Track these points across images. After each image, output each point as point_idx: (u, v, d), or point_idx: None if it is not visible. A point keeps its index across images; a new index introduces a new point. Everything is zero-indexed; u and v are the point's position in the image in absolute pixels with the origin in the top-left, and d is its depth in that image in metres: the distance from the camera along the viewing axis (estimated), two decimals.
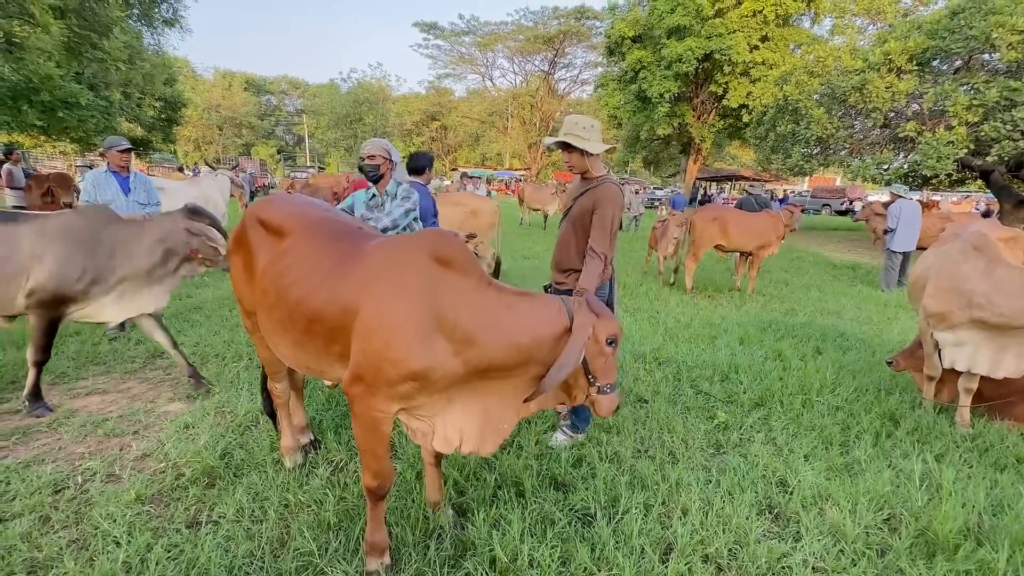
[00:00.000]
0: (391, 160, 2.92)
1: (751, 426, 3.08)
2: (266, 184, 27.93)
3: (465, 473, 2.44)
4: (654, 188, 35.31)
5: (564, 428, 2.85)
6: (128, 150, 4.41)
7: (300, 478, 2.42)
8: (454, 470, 2.45)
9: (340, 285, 1.74)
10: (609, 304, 2.65)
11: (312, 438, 2.72)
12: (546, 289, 2.88)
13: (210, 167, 7.90)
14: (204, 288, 6.07)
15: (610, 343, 1.78)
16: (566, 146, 2.49)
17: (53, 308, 2.89)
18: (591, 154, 2.50)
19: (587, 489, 2.38)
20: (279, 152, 49.94)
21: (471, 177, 12.13)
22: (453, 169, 42.15)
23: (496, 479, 2.42)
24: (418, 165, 3.82)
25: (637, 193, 14.89)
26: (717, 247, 6.91)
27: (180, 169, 22.92)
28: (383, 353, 1.61)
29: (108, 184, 4.35)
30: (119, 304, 3.06)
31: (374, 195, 2.95)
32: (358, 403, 1.71)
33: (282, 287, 1.87)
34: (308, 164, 38.31)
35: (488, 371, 1.71)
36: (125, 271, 3.01)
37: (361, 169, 2.90)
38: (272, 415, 2.69)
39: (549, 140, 2.49)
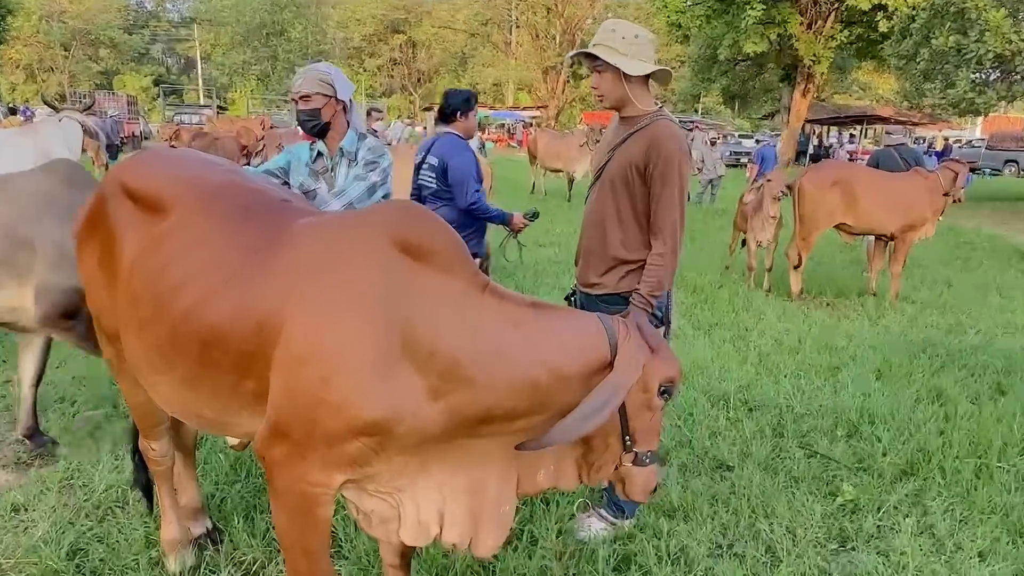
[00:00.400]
0: (338, 99, 2.85)
1: (895, 507, 3.09)
2: (137, 133, 28.34)
3: None
4: (740, 136, 35.44)
5: (601, 510, 2.87)
6: None
7: None
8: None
9: (253, 288, 1.74)
10: (660, 320, 2.65)
11: (209, 526, 2.72)
12: (569, 300, 2.90)
13: (51, 108, 7.99)
14: None
15: (663, 392, 1.78)
16: (593, 60, 2.48)
17: None
18: (631, 78, 2.47)
19: None
20: (157, 84, 50.47)
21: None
22: (426, 109, 42.37)
23: None
24: (450, 106, 3.91)
25: (714, 144, 14.85)
26: (839, 227, 6.91)
27: (12, 112, 23.19)
28: (319, 394, 1.61)
29: None
30: None
31: (319, 155, 2.93)
32: (281, 473, 1.71)
33: (162, 292, 1.87)
34: (202, 103, 38.69)
35: (483, 423, 1.70)
36: None
37: (298, 120, 2.90)
38: (147, 490, 2.70)
39: (573, 51, 2.48)
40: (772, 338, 5.53)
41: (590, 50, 2.47)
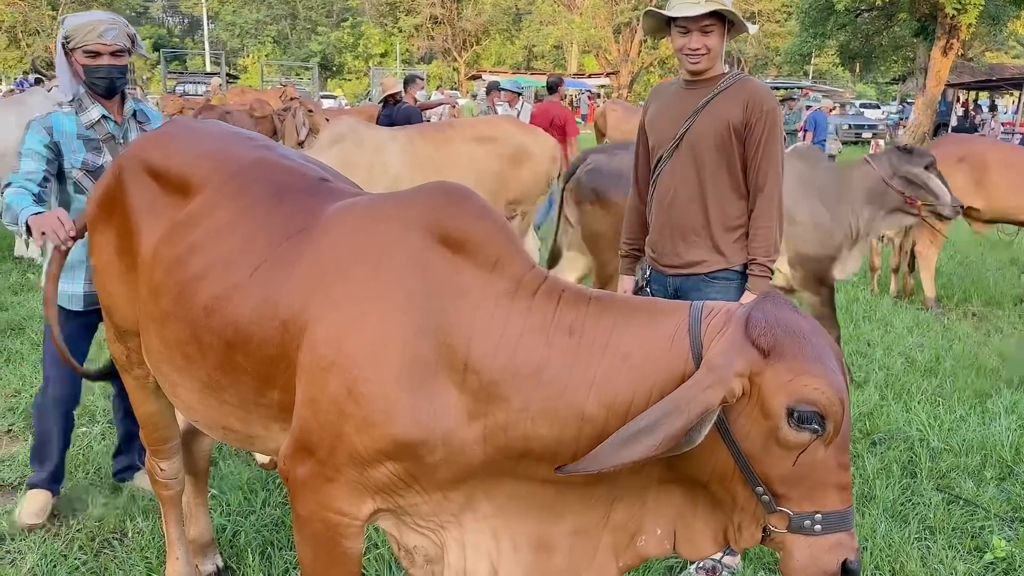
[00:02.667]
0: (133, 52, 3.06)
1: None
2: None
3: None
4: (861, 105, 34.60)
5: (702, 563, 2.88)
6: None
7: None
8: None
9: (280, 283, 1.80)
10: None
11: (221, 564, 2.82)
12: (641, 290, 2.98)
13: (41, 77, 8.39)
14: (25, 295, 6.41)
15: (801, 420, 1.47)
16: (711, 17, 2.62)
17: None
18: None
19: None
20: (156, 48, 52.24)
21: (504, 91, 12.22)
22: (473, 77, 42.76)
23: None
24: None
25: (830, 112, 14.60)
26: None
27: (38, 81, 24.18)
28: (343, 407, 1.65)
29: None
30: None
31: (100, 120, 3.04)
32: (304, 496, 1.77)
33: (185, 283, 1.96)
34: (208, 70, 39.89)
35: (525, 457, 1.65)
36: None
37: (90, 80, 2.94)
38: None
39: (692, 10, 2.58)
40: (901, 355, 5.43)
41: (720, 7, 2.60)
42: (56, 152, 2.93)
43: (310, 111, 5.80)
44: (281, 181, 2.03)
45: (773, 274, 2.78)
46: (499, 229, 1.75)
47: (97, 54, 2.91)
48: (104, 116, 3.03)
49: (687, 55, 2.70)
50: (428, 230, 1.71)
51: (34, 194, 2.78)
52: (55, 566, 2.84)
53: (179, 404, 2.16)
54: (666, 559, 2.96)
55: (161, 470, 2.57)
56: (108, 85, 2.97)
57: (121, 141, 3.07)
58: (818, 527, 1.51)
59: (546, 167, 6.16)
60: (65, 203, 3.01)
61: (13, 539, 3.04)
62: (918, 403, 4.49)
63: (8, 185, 2.80)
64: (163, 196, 2.14)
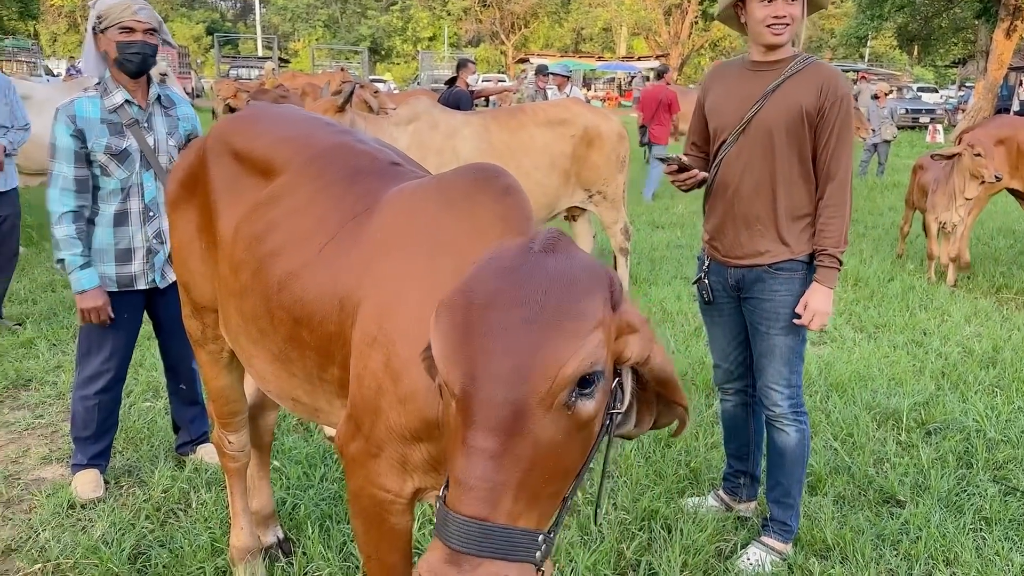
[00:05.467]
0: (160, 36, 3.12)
1: None
2: (189, 91, 29.86)
3: None
4: (919, 89, 33.70)
5: (763, 538, 2.94)
6: None
7: None
8: None
9: (341, 261, 1.86)
10: None
11: (281, 536, 2.92)
12: (700, 281, 2.96)
13: None
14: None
15: None
16: None
17: None
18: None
19: None
20: (210, 32, 52.96)
21: (551, 75, 12.23)
22: (521, 60, 42.60)
23: None
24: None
25: (887, 96, 14.23)
26: (1016, 195, 6.74)
27: (76, 71, 24.77)
28: (382, 382, 1.67)
29: None
30: None
31: (123, 105, 3.12)
32: (354, 471, 1.82)
33: (261, 258, 2.04)
34: (260, 54, 40.43)
35: None
36: None
37: (123, 56, 3.02)
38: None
39: None
40: (959, 345, 5.34)
41: None
42: (81, 139, 3.05)
43: (376, 93, 5.90)
44: (356, 164, 2.09)
45: (842, 265, 2.72)
46: (519, 204, 1.72)
47: (132, 30, 3.01)
48: (128, 101, 3.12)
49: (770, 25, 2.60)
50: (459, 209, 1.73)
51: (74, 211, 3.05)
52: (123, 533, 2.96)
53: (254, 374, 2.25)
54: (715, 541, 3.00)
55: (229, 443, 2.66)
56: (141, 61, 3.06)
57: (145, 125, 3.17)
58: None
59: (616, 146, 6.16)
60: (94, 187, 3.13)
61: (84, 507, 3.18)
62: (975, 393, 4.42)
63: (61, 214, 3.03)
64: (245, 177, 2.22)
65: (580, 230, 6.58)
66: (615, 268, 6.63)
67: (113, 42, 3.01)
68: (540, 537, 1.12)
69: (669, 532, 3.02)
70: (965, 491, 3.44)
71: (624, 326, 1.22)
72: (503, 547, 1.07)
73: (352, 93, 5.40)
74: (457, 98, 8.43)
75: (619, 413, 1.27)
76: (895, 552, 2.99)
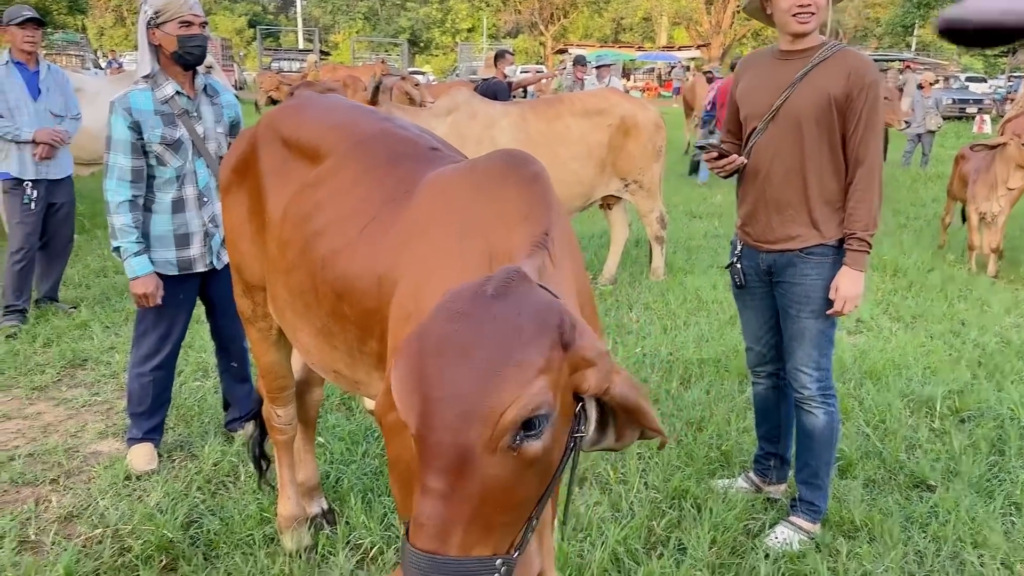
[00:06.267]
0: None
1: None
2: (232, 83, 30.29)
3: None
4: (967, 79, 32.93)
5: (791, 518, 3.00)
6: (36, 24, 5.19)
7: (307, 570, 2.75)
8: (564, 574, 2.68)
9: (380, 241, 1.97)
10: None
11: (325, 507, 3.06)
12: (732, 266, 3.03)
13: None
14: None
15: None
16: None
17: None
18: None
19: None
20: (252, 25, 53.55)
21: (589, 66, 12.26)
22: (560, 51, 42.47)
23: None
24: None
25: (932, 86, 14.04)
26: None
27: (116, 64, 25.10)
28: None
29: (10, 81, 5.13)
30: None
31: (174, 96, 3.25)
32: (391, 440, 1.89)
33: (308, 236, 2.16)
34: (301, 47, 40.87)
35: None
36: None
37: (184, 49, 3.16)
38: (260, 462, 3.06)
39: None
40: (997, 335, 5.32)
41: None
42: (137, 131, 3.18)
43: (417, 85, 6.06)
44: (397, 149, 2.19)
45: (871, 248, 2.76)
46: (543, 192, 1.76)
47: (190, 24, 3.15)
48: (178, 92, 3.26)
49: (796, 15, 2.65)
50: (488, 194, 1.80)
51: (131, 200, 3.19)
52: (177, 503, 3.11)
53: (299, 347, 2.37)
54: (743, 520, 3.07)
55: (278, 416, 2.80)
56: (200, 53, 3.22)
57: (195, 114, 3.31)
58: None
59: (652, 136, 6.22)
60: (149, 176, 3.27)
61: (139, 479, 3.35)
62: (1011, 383, 4.42)
63: (119, 203, 3.18)
64: (293, 161, 2.35)
65: (616, 218, 6.64)
66: (650, 256, 6.69)
67: (173, 36, 3.15)
68: (498, 561, 1.20)
69: (699, 511, 3.09)
70: (996, 477, 3.46)
71: (580, 361, 1.27)
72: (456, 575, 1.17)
73: (379, 86, 5.54)
74: (494, 89, 8.50)
75: (582, 436, 1.33)
76: (923, 534, 3.02)
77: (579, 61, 12.51)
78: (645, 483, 3.30)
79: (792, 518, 3.00)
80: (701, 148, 2.94)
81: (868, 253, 2.75)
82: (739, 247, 3.02)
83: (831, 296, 2.76)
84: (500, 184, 1.81)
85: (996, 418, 3.97)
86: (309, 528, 2.92)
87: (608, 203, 6.55)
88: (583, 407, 1.33)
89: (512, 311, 1.22)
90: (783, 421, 3.18)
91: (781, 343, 3.02)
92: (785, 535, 2.93)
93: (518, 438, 1.18)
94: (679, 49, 42.65)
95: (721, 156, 2.85)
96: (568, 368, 1.26)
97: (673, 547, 2.89)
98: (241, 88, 30.75)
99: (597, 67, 12.04)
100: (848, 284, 2.73)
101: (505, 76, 9.78)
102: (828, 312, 2.77)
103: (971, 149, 7.12)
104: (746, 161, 2.88)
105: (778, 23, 2.77)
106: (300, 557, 2.81)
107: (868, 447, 3.66)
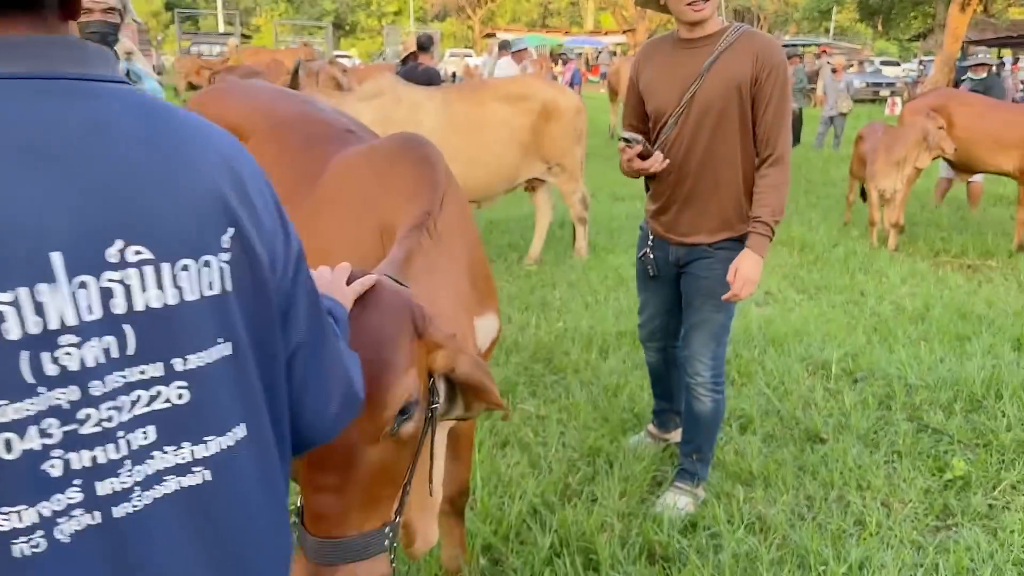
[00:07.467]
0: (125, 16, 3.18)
1: (1012, 486, 3.29)
2: (151, 67, 29.33)
3: (502, 532, 2.86)
4: (882, 63, 34.19)
5: (676, 483, 3.17)
6: None
7: None
8: (485, 525, 2.86)
9: (292, 216, 2.09)
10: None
11: None
12: (644, 256, 3.07)
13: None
14: None
15: None
16: None
17: None
18: None
19: (704, 566, 2.71)
20: (169, 8, 51.77)
21: (516, 52, 12.44)
22: (488, 36, 42.45)
23: (552, 541, 2.81)
24: None
25: (844, 70, 14.66)
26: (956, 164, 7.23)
27: None
28: None
29: None
30: None
31: None
32: None
33: None
34: (221, 30, 39.81)
35: None
36: None
37: (85, 34, 3.03)
38: None
39: None
40: (892, 303, 5.67)
41: None
42: None
43: (345, 71, 6.17)
44: (313, 131, 2.34)
45: (774, 235, 2.74)
46: (431, 174, 1.91)
47: (90, 11, 3.04)
48: None
49: (690, 3, 2.57)
50: (382, 174, 1.96)
51: None
52: None
53: None
54: (651, 473, 3.32)
55: None
56: (99, 40, 3.17)
57: None
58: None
59: (573, 120, 6.43)
60: None
61: None
62: (902, 346, 4.74)
63: None
64: None
65: (540, 200, 6.85)
66: (574, 237, 6.93)
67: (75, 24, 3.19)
68: (387, 529, 1.40)
69: (611, 466, 3.32)
70: (882, 429, 3.75)
71: (432, 345, 1.46)
72: (355, 551, 1.35)
73: (297, 69, 5.64)
74: (428, 75, 8.58)
75: (436, 408, 1.51)
76: (814, 480, 3.29)
77: (504, 46, 12.69)
78: (563, 443, 3.53)
79: (677, 483, 3.13)
80: (626, 141, 2.76)
81: (771, 239, 2.73)
82: (651, 238, 3.00)
83: (729, 279, 2.71)
84: (393, 165, 1.97)
85: (885, 377, 4.27)
86: None
87: (533, 186, 6.74)
88: (434, 383, 1.51)
89: (375, 319, 1.38)
90: (673, 382, 3.35)
91: (673, 324, 3.12)
92: (673, 499, 3.07)
93: (396, 424, 1.36)
94: (606, 34, 43.10)
95: (643, 155, 2.75)
96: (423, 351, 1.45)
97: (587, 498, 3.11)
98: (160, 73, 29.82)
99: (514, 52, 12.21)
100: (748, 267, 2.69)
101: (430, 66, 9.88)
102: (723, 297, 2.75)
103: (873, 129, 7.59)
104: (668, 162, 2.78)
105: (673, 12, 2.69)
106: None
107: (767, 406, 3.94)
